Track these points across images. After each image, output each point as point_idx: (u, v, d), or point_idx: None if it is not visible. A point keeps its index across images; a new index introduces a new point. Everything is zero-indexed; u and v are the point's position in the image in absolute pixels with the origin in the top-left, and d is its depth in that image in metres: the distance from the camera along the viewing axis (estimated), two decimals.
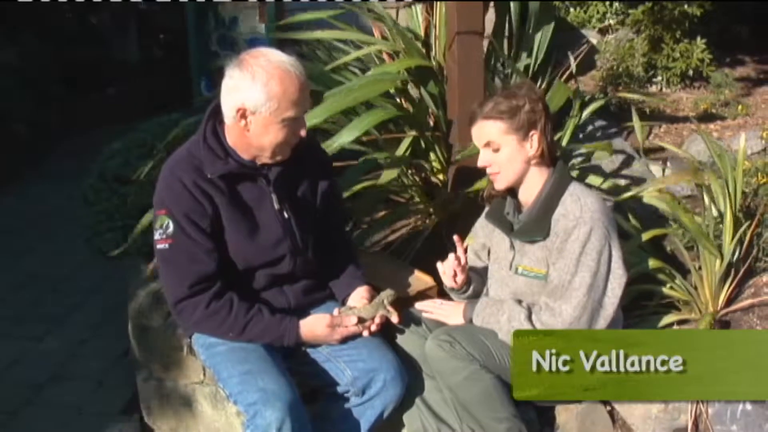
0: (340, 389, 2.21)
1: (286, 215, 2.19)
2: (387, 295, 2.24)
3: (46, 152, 6.95)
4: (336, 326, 2.17)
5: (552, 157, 2.20)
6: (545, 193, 2.19)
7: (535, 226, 2.18)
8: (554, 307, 2.10)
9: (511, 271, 2.27)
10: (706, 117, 4.33)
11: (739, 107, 4.26)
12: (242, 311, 2.10)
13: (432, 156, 3.44)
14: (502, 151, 2.15)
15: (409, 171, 3.40)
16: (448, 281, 2.33)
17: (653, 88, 4.61)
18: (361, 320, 2.19)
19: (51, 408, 3.18)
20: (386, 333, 2.28)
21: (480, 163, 2.21)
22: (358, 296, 2.28)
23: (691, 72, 4.51)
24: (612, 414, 2.44)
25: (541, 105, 2.17)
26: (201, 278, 2.08)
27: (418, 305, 2.40)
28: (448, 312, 2.34)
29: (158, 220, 2.09)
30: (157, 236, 2.10)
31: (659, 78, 4.61)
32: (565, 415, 2.38)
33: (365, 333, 2.20)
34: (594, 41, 4.55)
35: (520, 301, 2.20)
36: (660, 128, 4.47)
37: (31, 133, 6.79)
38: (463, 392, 2.15)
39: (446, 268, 2.30)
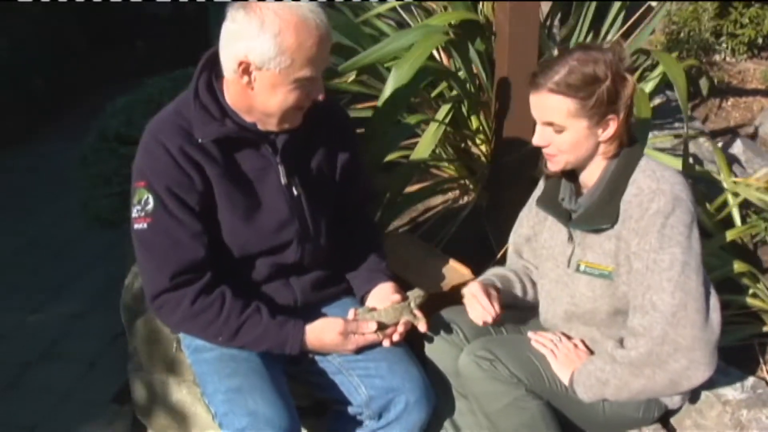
0: (352, 410, 1.82)
1: (295, 192, 1.78)
2: (415, 296, 1.83)
3: (68, 109, 6.60)
4: (350, 333, 1.77)
5: (629, 139, 1.75)
6: (611, 172, 1.74)
7: (600, 211, 1.74)
8: (643, 303, 1.65)
9: (569, 269, 1.84)
10: None
11: None
12: (236, 311, 1.71)
13: (474, 122, 3.00)
14: (566, 133, 1.70)
15: (448, 140, 2.97)
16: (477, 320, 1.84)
17: (716, 57, 4.25)
18: (381, 326, 1.79)
19: (35, 391, 2.86)
20: (410, 340, 1.87)
21: (536, 142, 1.76)
22: (381, 295, 1.87)
23: (760, 40, 4.15)
24: None
25: (627, 79, 1.68)
26: (186, 267, 1.69)
27: (532, 336, 1.90)
28: (564, 358, 1.80)
29: (136, 193, 1.70)
30: (134, 213, 1.71)
31: (724, 46, 4.24)
32: None
33: (385, 342, 1.79)
34: (654, 4, 4.11)
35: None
36: (727, 101, 4.06)
37: (51, 89, 6.42)
38: (504, 421, 1.74)
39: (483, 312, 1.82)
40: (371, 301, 1.88)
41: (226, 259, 1.76)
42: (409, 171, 2.61)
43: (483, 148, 3.06)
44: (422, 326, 1.80)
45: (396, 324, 1.79)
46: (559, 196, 1.85)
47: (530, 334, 1.89)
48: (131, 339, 2.43)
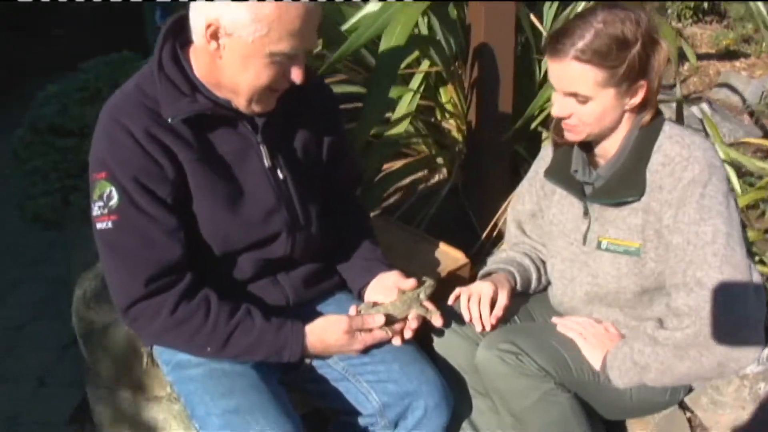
0: (363, 421, 1.62)
1: (280, 175, 1.56)
2: (425, 286, 1.63)
3: None
4: (356, 331, 1.56)
5: (654, 103, 1.59)
6: (635, 139, 1.58)
7: (624, 183, 1.58)
8: (686, 281, 1.49)
9: (586, 247, 1.68)
10: (729, 54, 3.97)
11: (764, 44, 3.88)
12: (224, 316, 1.48)
13: (444, 95, 2.82)
14: (591, 104, 1.53)
15: (419, 114, 2.78)
16: (477, 326, 1.71)
17: None
18: (389, 320, 1.58)
19: None
20: (420, 337, 1.68)
21: (557, 113, 1.58)
22: (382, 286, 1.67)
23: (705, 5, 4.15)
24: (690, 421, 1.93)
25: (659, 42, 1.51)
26: (162, 270, 1.45)
27: (558, 321, 1.74)
28: (594, 341, 1.66)
29: (96, 187, 1.45)
30: (95, 211, 1.46)
31: (669, 12, 4.22)
32: (637, 427, 1.86)
33: (396, 341, 1.60)
34: None
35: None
36: (683, 66, 4.01)
37: None
38: (534, 418, 1.58)
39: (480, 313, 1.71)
40: (372, 294, 1.67)
41: (206, 258, 1.53)
42: (385, 149, 2.42)
43: (453, 122, 2.88)
44: (437, 319, 1.62)
45: (405, 319, 1.60)
46: (571, 168, 1.69)
47: (555, 319, 1.73)
48: (89, 352, 2.17)
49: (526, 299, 1.85)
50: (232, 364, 1.51)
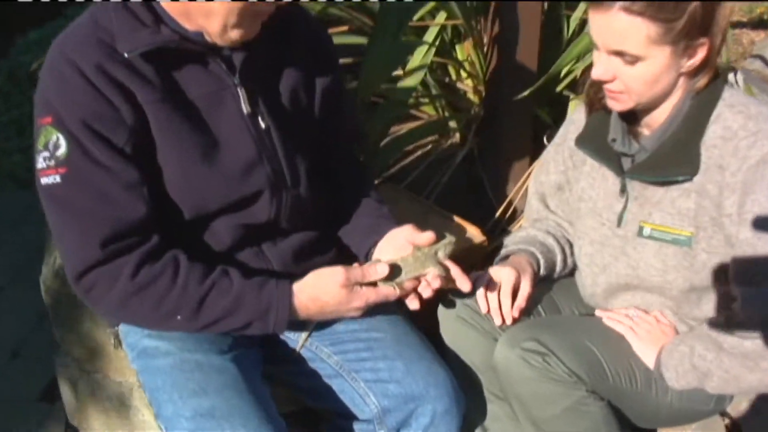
0: (358, 426, 1.39)
1: (262, 124, 1.31)
2: (444, 243, 1.35)
3: None
4: (355, 285, 1.30)
5: (713, 64, 1.33)
6: (689, 107, 1.33)
7: (673, 158, 1.33)
8: (757, 282, 1.25)
9: (621, 230, 1.44)
10: (763, 24, 3.80)
11: None
12: (195, 276, 1.24)
13: (460, 53, 2.56)
14: (641, 65, 1.26)
15: (432, 73, 2.53)
16: (496, 318, 1.48)
17: None
18: (398, 276, 1.31)
19: None
20: (428, 331, 1.44)
21: (598, 75, 1.31)
22: (394, 243, 1.39)
23: None
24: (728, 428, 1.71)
25: None
26: (122, 229, 1.21)
27: (603, 313, 1.50)
28: (647, 336, 1.43)
29: (41, 134, 1.20)
30: (39, 163, 1.21)
31: None
32: None
33: (412, 303, 1.33)
34: None
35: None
36: None
37: None
38: (561, 429, 1.35)
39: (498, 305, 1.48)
40: (381, 254, 1.40)
41: (175, 223, 1.28)
42: (392, 110, 2.16)
43: (469, 82, 2.63)
44: (463, 282, 1.34)
45: (420, 278, 1.33)
46: (608, 136, 1.43)
47: (599, 312, 1.49)
48: (57, 327, 1.95)
49: (550, 286, 1.61)
50: (207, 355, 1.27)
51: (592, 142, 1.46)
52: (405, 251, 1.34)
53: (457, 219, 1.88)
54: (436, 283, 1.32)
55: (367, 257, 1.44)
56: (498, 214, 2.18)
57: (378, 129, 2.12)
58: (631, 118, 1.41)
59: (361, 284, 1.29)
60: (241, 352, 1.30)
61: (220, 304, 1.23)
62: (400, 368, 1.33)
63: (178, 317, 1.23)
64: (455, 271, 1.34)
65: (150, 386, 1.30)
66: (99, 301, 1.25)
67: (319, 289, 1.28)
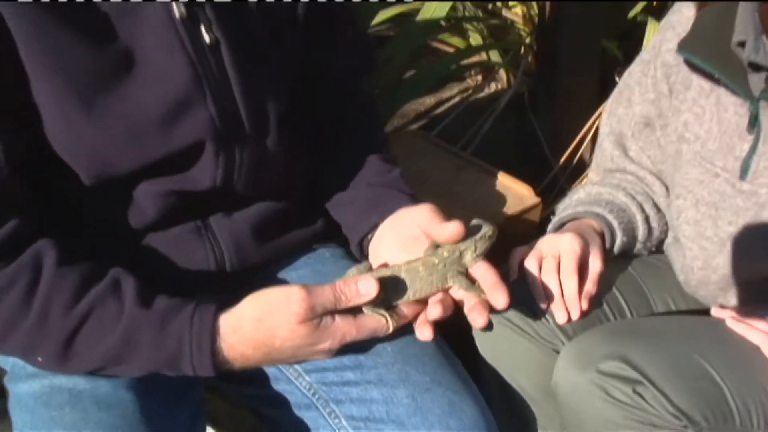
0: None
1: (206, 37, 0.82)
2: (479, 238, 0.87)
3: None
4: (324, 315, 0.80)
5: None
6: None
7: None
8: None
9: (747, 183, 0.97)
10: None
11: None
12: (62, 294, 0.77)
13: None
14: None
15: None
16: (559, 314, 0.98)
17: None
18: (398, 294, 0.85)
19: None
20: (456, 338, 0.96)
21: None
22: (403, 234, 0.92)
23: None
24: None
25: None
26: None
27: (723, 315, 1.01)
28: None
29: None
30: None
31: None
32: None
33: (422, 334, 0.85)
34: None
35: None
36: None
37: None
38: None
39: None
40: (381, 249, 0.94)
41: (69, 192, 0.83)
42: (418, 35, 1.69)
43: (519, 10, 2.14)
44: (499, 298, 0.84)
45: (430, 295, 0.86)
46: (732, 38, 0.94)
47: (717, 312, 1.00)
48: None
49: (628, 262, 1.13)
50: (92, 379, 0.81)
51: (706, 47, 0.97)
52: (417, 248, 0.88)
53: (501, 175, 1.41)
54: (448, 312, 0.85)
55: (364, 248, 0.97)
56: (557, 168, 1.75)
57: (398, 60, 1.65)
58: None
59: (334, 312, 0.82)
60: (158, 374, 0.83)
61: (99, 348, 0.78)
62: (403, 401, 0.84)
63: (39, 359, 0.78)
64: (488, 279, 0.85)
65: (15, 419, 0.84)
66: None
67: (262, 325, 0.79)
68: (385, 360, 0.88)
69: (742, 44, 0.94)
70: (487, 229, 0.87)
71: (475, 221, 0.89)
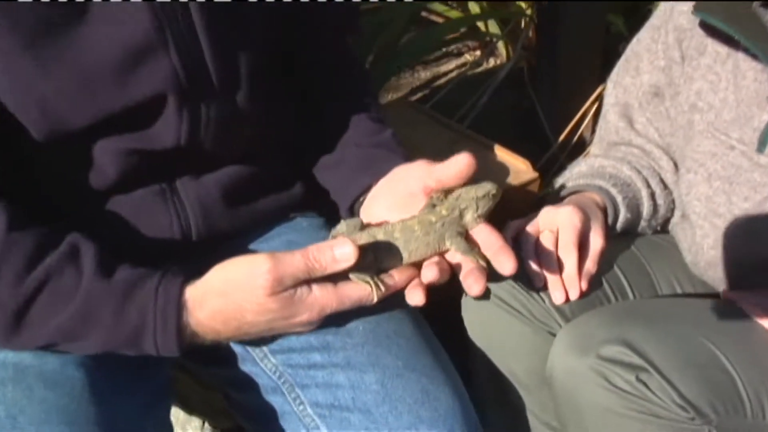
0: None
1: None
2: (481, 196, 0.79)
3: None
4: (298, 286, 0.71)
5: None
6: None
7: None
8: None
9: (765, 156, 0.88)
10: None
11: None
12: (15, 260, 0.69)
13: None
14: None
15: None
16: (555, 294, 0.89)
17: None
18: (388, 258, 0.77)
19: None
20: (441, 317, 0.88)
21: None
22: (399, 192, 0.84)
23: None
24: None
25: None
26: None
27: (735, 297, 0.92)
28: None
29: None
30: None
31: None
32: None
33: (413, 298, 0.76)
34: None
35: None
36: None
37: None
38: None
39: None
40: (375, 208, 0.86)
41: (21, 149, 0.75)
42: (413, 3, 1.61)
43: None
44: (506, 263, 0.75)
45: (425, 259, 0.79)
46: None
47: (727, 293, 0.92)
48: None
49: (631, 241, 1.05)
50: (38, 354, 0.74)
51: (725, 8, 0.90)
52: (415, 207, 0.81)
53: (498, 149, 1.33)
54: (445, 277, 0.76)
55: (353, 213, 0.89)
56: (556, 145, 1.67)
57: (391, 28, 1.56)
58: None
59: (310, 282, 0.73)
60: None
61: (53, 322, 0.70)
62: (372, 386, 0.76)
63: None
64: (492, 243, 0.77)
65: None
66: None
67: (229, 299, 0.71)
68: (355, 340, 0.79)
69: (765, 4, 0.87)
70: (490, 187, 0.79)
71: (481, 182, 0.81)
